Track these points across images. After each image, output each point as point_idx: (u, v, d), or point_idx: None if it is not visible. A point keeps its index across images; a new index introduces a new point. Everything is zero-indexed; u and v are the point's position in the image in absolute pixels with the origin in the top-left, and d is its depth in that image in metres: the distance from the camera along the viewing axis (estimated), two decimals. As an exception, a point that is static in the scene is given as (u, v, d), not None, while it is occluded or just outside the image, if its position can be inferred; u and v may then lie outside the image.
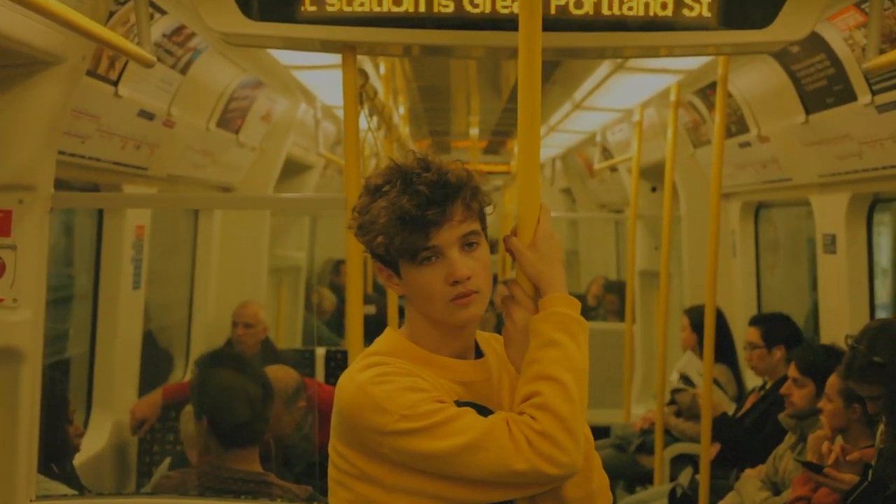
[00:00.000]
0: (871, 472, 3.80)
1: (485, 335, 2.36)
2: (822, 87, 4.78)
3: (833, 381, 4.27)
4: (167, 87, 4.89)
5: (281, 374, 4.87)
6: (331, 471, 2.19)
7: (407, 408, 2.04)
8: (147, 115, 4.79)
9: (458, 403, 2.12)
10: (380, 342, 2.26)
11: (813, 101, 4.97)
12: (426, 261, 2.15)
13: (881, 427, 3.89)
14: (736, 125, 6.08)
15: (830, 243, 5.36)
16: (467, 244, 2.16)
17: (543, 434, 2.01)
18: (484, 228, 2.22)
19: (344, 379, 2.15)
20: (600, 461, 2.24)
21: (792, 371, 4.77)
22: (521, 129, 2.26)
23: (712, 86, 5.87)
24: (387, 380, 2.08)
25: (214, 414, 3.87)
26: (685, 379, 6.12)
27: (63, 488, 3.99)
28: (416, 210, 2.11)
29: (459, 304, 2.15)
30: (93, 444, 5.24)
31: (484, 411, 2.12)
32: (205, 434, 3.90)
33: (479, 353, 2.30)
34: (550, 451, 2.01)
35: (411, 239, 2.13)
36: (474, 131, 10.39)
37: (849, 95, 4.56)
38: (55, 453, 4.11)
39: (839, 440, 4.19)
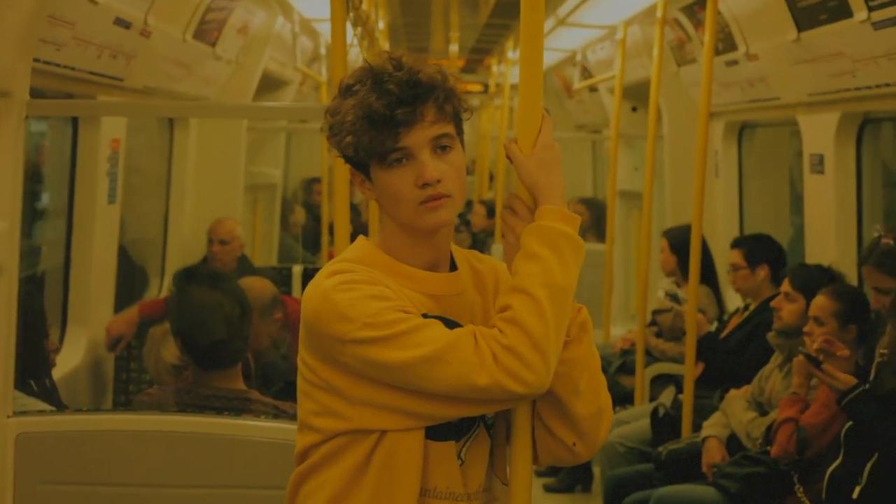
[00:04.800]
0: (870, 378, 3.78)
1: (463, 251, 2.28)
2: (816, 4, 4.67)
3: (823, 302, 4.21)
4: (144, -5, 4.75)
5: (257, 285, 4.83)
6: (298, 382, 2.14)
7: (370, 316, 1.98)
8: (123, 24, 4.64)
9: (427, 317, 2.04)
10: (350, 250, 2.19)
11: (805, 18, 4.86)
12: (396, 163, 2.08)
13: (886, 333, 3.82)
14: (723, 43, 5.97)
15: (818, 163, 5.29)
16: (440, 147, 2.09)
17: (509, 349, 1.94)
18: (459, 133, 2.14)
19: (310, 286, 2.09)
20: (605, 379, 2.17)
21: (785, 286, 4.71)
22: (523, 32, 2.13)
23: (699, 2, 5.75)
24: (351, 287, 2.02)
25: (190, 335, 3.71)
26: (672, 297, 6.03)
27: (41, 404, 3.90)
28: (384, 109, 2.04)
29: (429, 207, 2.08)
30: (68, 360, 5.15)
31: (453, 326, 2.05)
32: (182, 355, 3.80)
33: (454, 268, 2.22)
34: (516, 367, 1.94)
35: (380, 139, 2.06)
36: (454, 48, 10.24)
37: (844, 12, 4.45)
38: (33, 369, 4.03)
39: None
